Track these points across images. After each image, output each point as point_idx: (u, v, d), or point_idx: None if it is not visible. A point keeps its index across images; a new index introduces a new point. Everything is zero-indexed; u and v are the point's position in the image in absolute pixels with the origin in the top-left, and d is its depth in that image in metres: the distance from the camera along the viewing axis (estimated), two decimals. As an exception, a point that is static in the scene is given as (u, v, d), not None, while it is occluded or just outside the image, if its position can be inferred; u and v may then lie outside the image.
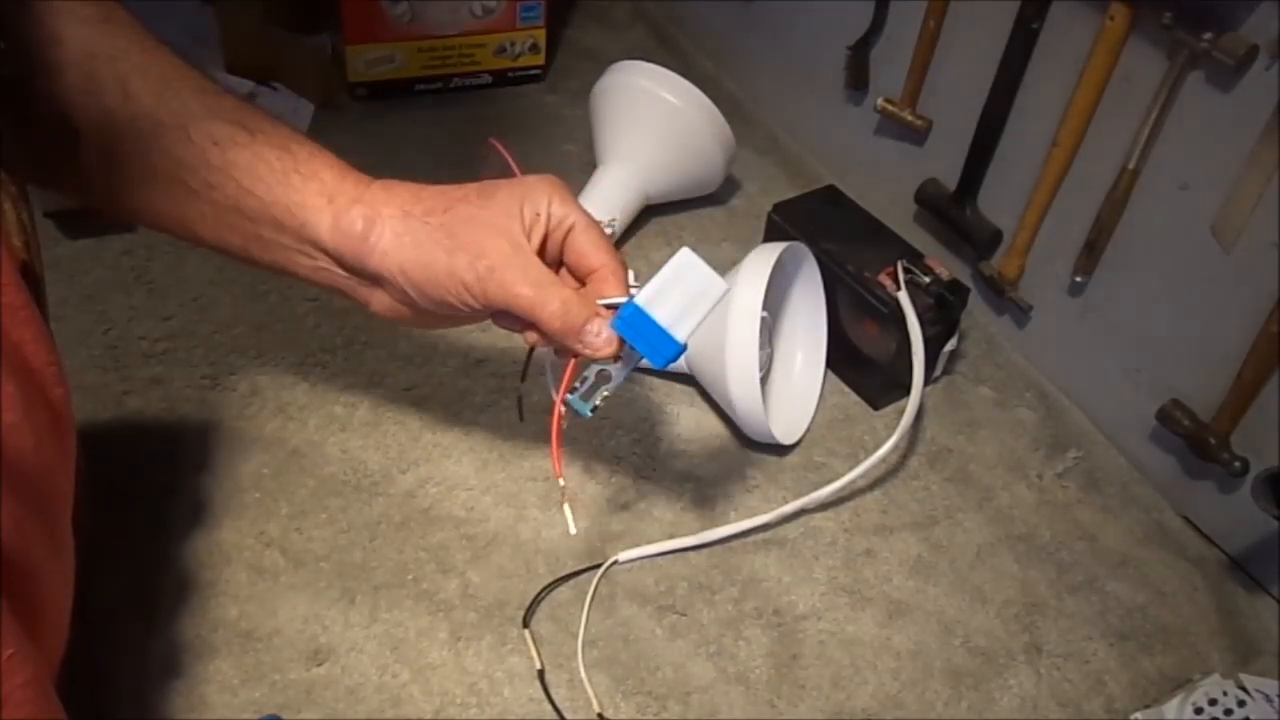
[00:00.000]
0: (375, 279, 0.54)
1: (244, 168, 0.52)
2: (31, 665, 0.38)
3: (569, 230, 0.54)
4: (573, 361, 0.56)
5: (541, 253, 0.54)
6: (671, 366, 0.79)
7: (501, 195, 0.54)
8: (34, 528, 0.41)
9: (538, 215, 0.53)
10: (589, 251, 0.54)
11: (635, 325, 0.52)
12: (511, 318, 0.54)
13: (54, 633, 0.44)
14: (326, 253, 0.53)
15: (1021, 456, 0.79)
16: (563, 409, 0.56)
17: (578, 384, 0.56)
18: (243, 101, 0.53)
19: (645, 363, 0.54)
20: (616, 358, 0.54)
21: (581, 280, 0.56)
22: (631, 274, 0.82)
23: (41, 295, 0.49)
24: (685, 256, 0.53)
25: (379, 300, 0.55)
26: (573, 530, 0.57)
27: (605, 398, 0.56)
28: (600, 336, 0.53)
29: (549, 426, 0.56)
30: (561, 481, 0.57)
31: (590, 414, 0.56)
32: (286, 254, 0.54)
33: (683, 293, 0.53)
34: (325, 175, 0.54)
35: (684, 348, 0.53)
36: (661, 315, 0.52)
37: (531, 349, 0.57)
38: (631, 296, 0.52)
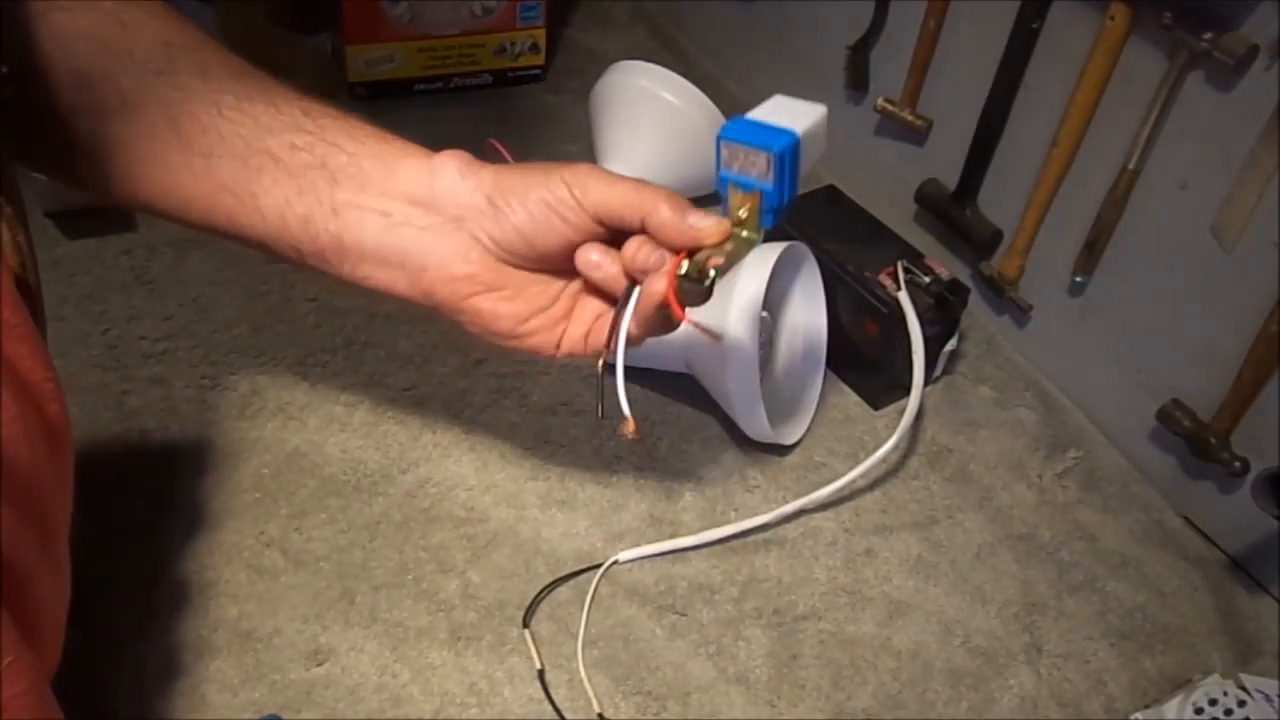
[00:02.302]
0: (461, 215, 0.52)
1: (334, 129, 0.52)
2: (30, 673, 0.38)
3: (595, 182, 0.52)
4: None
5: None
6: (672, 367, 0.79)
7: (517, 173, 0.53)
8: (30, 540, 0.41)
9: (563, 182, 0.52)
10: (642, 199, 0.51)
11: (742, 133, 0.49)
12: (605, 239, 0.52)
13: (50, 641, 0.44)
14: (410, 198, 0.52)
15: (1021, 456, 0.79)
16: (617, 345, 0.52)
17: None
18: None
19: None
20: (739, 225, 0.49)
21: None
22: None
23: (38, 311, 0.49)
24: (776, 99, 0.53)
25: (450, 253, 0.53)
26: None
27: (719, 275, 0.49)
28: (707, 219, 0.50)
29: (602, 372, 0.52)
30: (630, 426, 0.52)
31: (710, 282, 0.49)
32: (359, 214, 0.52)
33: (784, 114, 0.52)
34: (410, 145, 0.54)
35: (798, 137, 0.50)
36: (770, 121, 0.50)
37: (630, 287, 0.52)
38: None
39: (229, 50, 0.53)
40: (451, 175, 0.53)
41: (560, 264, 0.54)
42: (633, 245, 0.51)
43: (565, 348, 0.56)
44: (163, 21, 0.52)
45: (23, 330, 0.42)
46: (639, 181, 0.51)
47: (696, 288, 0.48)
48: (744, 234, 0.50)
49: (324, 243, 0.53)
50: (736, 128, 0.49)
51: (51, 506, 0.44)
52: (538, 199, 0.51)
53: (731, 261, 0.49)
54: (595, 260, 0.52)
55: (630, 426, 0.52)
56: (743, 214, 0.50)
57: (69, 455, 0.46)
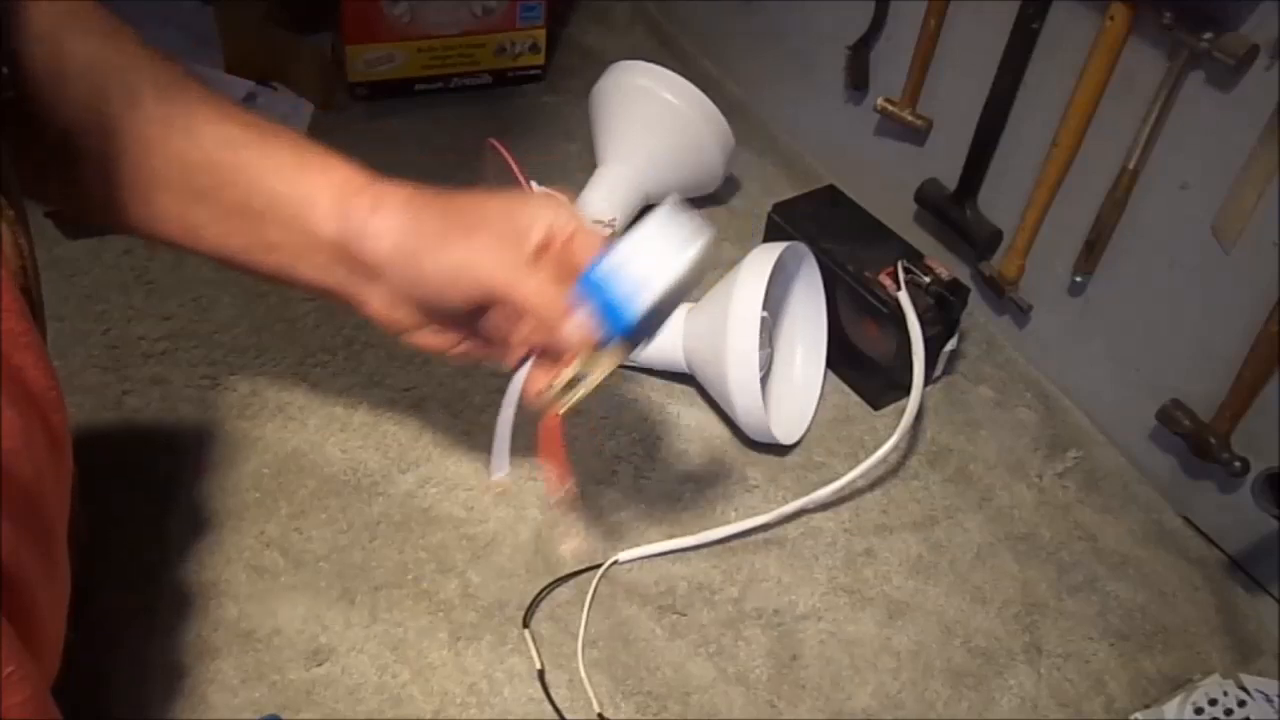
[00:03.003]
0: (373, 271, 0.54)
1: (255, 165, 0.53)
2: (31, 683, 0.38)
3: (570, 237, 0.53)
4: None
5: (543, 261, 0.53)
6: (672, 367, 0.79)
7: (504, 199, 0.55)
8: (31, 551, 0.41)
9: (534, 221, 0.53)
10: (589, 253, 0.53)
11: (597, 293, 0.49)
12: (495, 317, 0.55)
13: (50, 648, 0.44)
14: (331, 244, 0.54)
15: (1021, 456, 0.79)
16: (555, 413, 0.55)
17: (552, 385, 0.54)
18: (246, 108, 0.55)
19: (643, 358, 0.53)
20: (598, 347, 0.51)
21: None
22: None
23: (38, 314, 0.49)
24: (664, 212, 0.50)
25: (376, 299, 0.55)
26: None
27: (580, 397, 0.54)
28: (580, 325, 0.51)
29: (542, 436, 0.56)
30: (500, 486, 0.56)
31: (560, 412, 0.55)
32: (290, 255, 0.54)
33: (652, 249, 0.49)
34: (338, 168, 0.55)
35: (638, 323, 0.49)
36: (624, 282, 0.49)
37: (526, 359, 0.55)
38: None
39: (157, 61, 0.53)
40: (362, 219, 0.53)
41: (472, 315, 0.55)
42: (524, 330, 0.54)
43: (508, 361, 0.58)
44: (98, 39, 0.51)
45: (27, 339, 0.42)
46: (529, 270, 0.52)
47: (556, 398, 0.54)
48: (600, 357, 0.53)
49: (269, 270, 0.55)
50: (592, 281, 0.49)
51: (51, 516, 0.44)
52: (424, 286, 0.53)
53: (593, 381, 0.54)
54: (496, 327, 0.56)
55: (500, 486, 0.56)
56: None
57: (68, 463, 0.46)
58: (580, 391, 0.54)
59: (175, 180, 0.52)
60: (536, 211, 0.54)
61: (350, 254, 0.53)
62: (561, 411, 0.54)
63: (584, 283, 0.49)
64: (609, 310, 0.49)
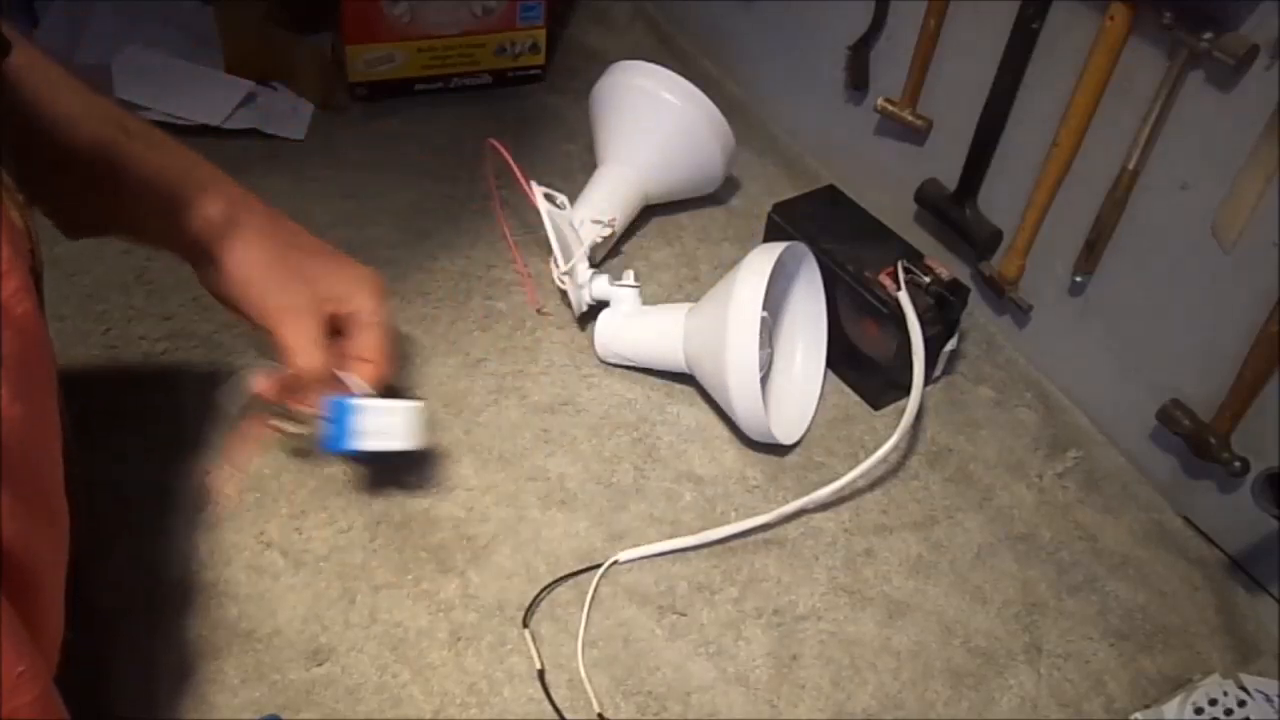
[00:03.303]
0: (214, 271, 0.64)
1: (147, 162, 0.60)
2: (40, 682, 0.39)
3: (365, 326, 0.66)
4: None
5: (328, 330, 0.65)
6: (672, 367, 0.79)
7: (334, 266, 0.66)
8: (34, 528, 0.41)
9: (346, 299, 0.65)
10: (367, 344, 0.66)
11: (339, 410, 0.63)
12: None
13: (51, 638, 0.44)
14: (191, 242, 0.62)
15: (1021, 456, 0.79)
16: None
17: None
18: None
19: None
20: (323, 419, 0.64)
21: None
22: (631, 274, 0.83)
23: (40, 299, 0.49)
24: (412, 411, 0.64)
25: (207, 277, 0.64)
26: None
27: (293, 435, 0.67)
28: (317, 392, 0.64)
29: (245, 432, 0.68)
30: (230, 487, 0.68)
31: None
32: (155, 238, 0.64)
33: (387, 425, 0.64)
34: (217, 192, 0.63)
35: (346, 448, 0.64)
36: (358, 423, 0.63)
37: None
38: (355, 396, 0.64)
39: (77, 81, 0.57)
40: (222, 243, 0.63)
41: None
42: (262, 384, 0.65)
43: None
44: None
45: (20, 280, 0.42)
46: (313, 336, 0.64)
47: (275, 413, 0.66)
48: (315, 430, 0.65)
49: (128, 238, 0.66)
50: (342, 405, 0.63)
51: (49, 490, 0.44)
52: (251, 301, 0.64)
53: (298, 431, 0.67)
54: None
55: (230, 487, 0.66)
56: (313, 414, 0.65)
57: (58, 427, 0.47)
58: (290, 427, 0.66)
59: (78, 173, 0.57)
60: (352, 291, 0.66)
61: (202, 254, 0.63)
62: (269, 425, 0.67)
63: (336, 402, 0.63)
64: (336, 429, 0.63)
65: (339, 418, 0.63)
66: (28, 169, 0.53)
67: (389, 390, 0.68)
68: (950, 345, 0.81)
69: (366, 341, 0.66)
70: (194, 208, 0.61)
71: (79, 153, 0.56)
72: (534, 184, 0.82)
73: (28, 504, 0.41)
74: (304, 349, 0.63)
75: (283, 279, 0.64)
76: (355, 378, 0.65)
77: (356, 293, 0.66)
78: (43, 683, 0.39)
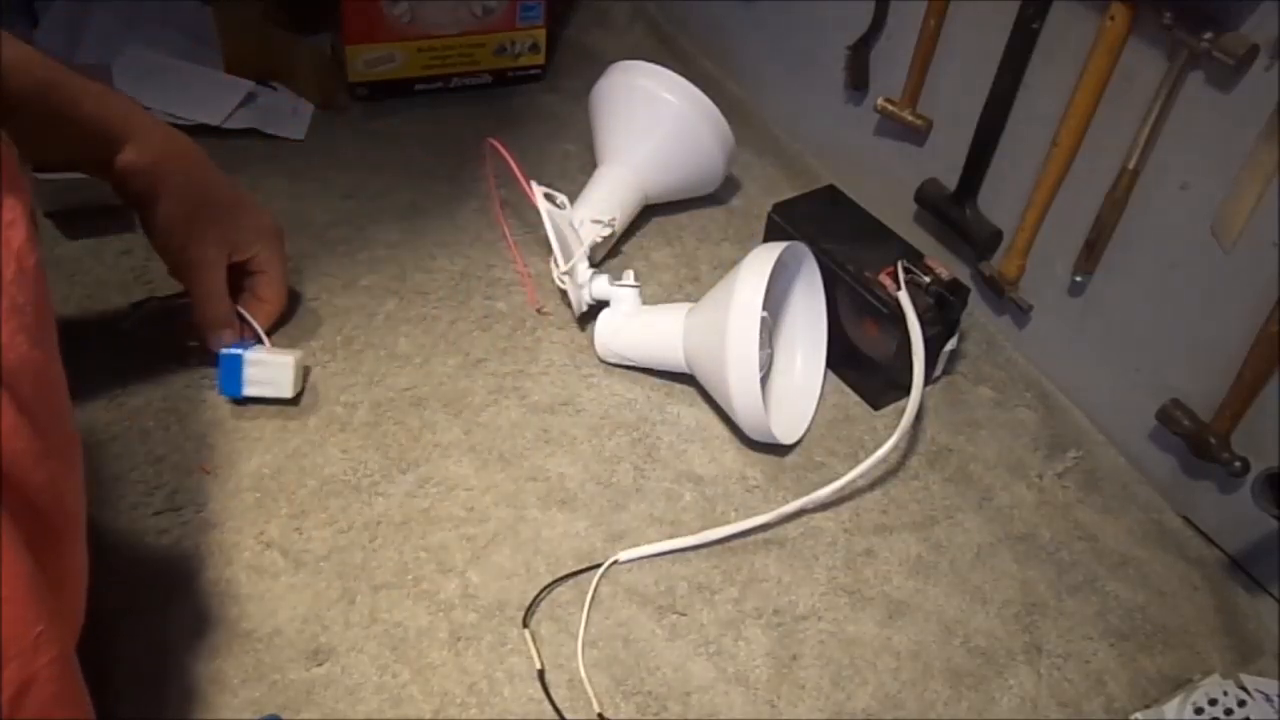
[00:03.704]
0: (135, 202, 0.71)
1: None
2: (58, 643, 0.39)
3: (261, 270, 0.77)
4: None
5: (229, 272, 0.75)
6: (672, 367, 0.79)
7: (237, 211, 0.74)
8: (60, 469, 0.42)
9: (247, 244, 0.75)
10: (265, 287, 0.78)
11: (231, 361, 0.73)
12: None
13: (75, 584, 0.45)
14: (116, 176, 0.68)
15: (1021, 456, 0.79)
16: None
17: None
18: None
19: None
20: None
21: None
22: (631, 274, 0.83)
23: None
24: (290, 366, 0.74)
25: (137, 220, 0.72)
26: None
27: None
28: (219, 337, 0.75)
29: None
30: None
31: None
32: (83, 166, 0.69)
33: (270, 375, 0.74)
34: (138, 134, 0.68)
35: (235, 394, 0.74)
36: (245, 374, 0.73)
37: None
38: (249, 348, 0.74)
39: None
40: (141, 183, 0.70)
41: None
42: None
43: None
44: None
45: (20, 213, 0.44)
46: (216, 289, 0.75)
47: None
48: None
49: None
50: (231, 356, 0.73)
51: (67, 431, 0.45)
52: (169, 247, 0.73)
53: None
54: None
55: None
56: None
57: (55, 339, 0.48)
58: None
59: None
60: (253, 240, 0.76)
61: (129, 200, 0.70)
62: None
63: (228, 355, 0.73)
64: (227, 377, 0.73)
65: (230, 367, 0.73)
66: None
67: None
68: (950, 345, 0.81)
69: (264, 285, 0.78)
70: (121, 155, 0.67)
71: (18, 98, 0.59)
72: (534, 184, 0.82)
73: (51, 447, 0.41)
74: (209, 301, 0.74)
75: (195, 234, 0.72)
76: (253, 317, 0.77)
77: (257, 242, 0.76)
78: (60, 645, 0.39)
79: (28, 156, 0.65)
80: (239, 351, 0.73)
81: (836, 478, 0.71)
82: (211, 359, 0.74)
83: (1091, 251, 0.76)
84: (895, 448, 0.72)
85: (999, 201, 0.84)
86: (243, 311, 0.77)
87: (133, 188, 0.69)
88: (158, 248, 0.73)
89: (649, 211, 0.95)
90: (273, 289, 0.78)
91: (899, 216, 0.91)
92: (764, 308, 0.71)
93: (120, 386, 0.75)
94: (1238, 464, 0.69)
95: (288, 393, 0.74)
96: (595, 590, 0.66)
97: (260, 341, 0.77)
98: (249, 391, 0.74)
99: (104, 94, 0.67)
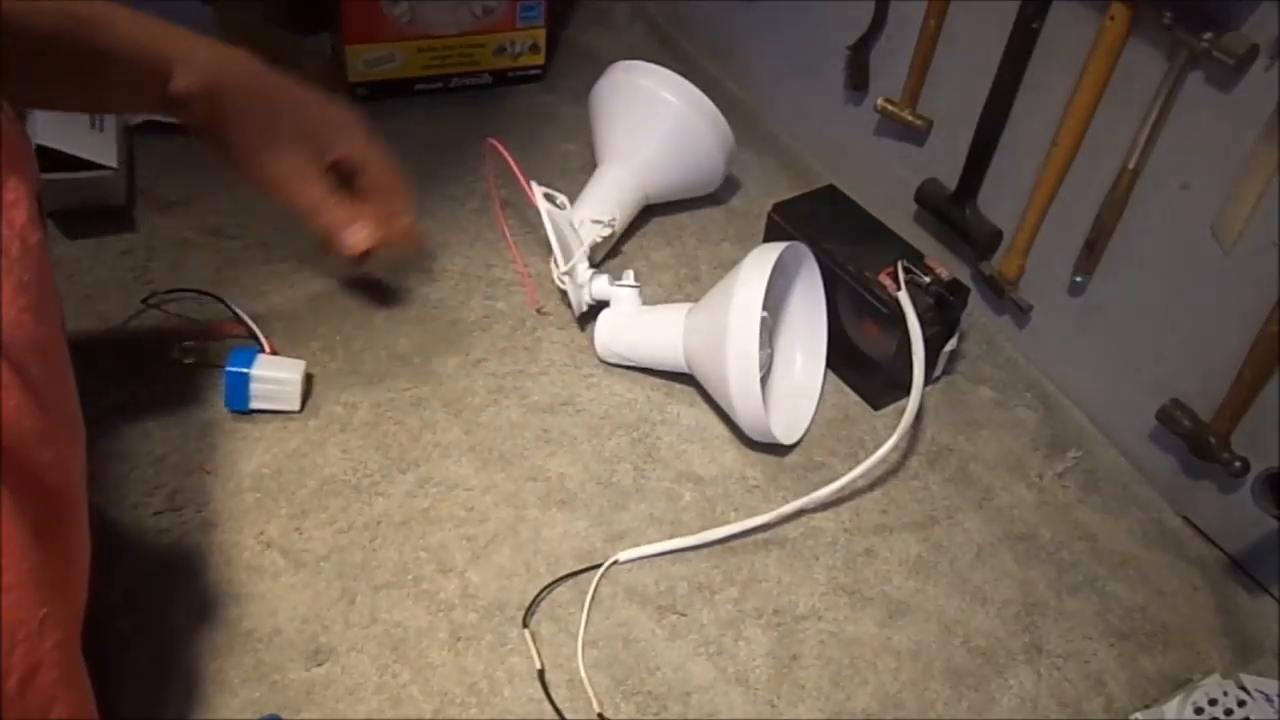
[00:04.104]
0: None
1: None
2: (61, 627, 0.38)
3: (361, 161, 0.72)
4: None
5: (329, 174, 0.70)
6: (672, 367, 0.79)
7: (316, 115, 0.69)
8: (63, 446, 0.41)
9: (335, 141, 0.70)
10: (376, 176, 0.73)
11: (237, 379, 0.72)
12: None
13: (79, 560, 0.44)
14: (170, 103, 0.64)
15: (1021, 456, 0.79)
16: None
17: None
18: None
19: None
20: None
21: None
22: (631, 274, 0.83)
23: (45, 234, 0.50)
24: (296, 382, 0.74)
25: (201, 147, 0.67)
26: None
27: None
28: (355, 235, 0.71)
29: None
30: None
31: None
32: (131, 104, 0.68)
33: (275, 392, 0.73)
34: (196, 54, 0.63)
35: (241, 409, 0.74)
36: (251, 389, 0.73)
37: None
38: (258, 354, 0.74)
39: None
40: (199, 107, 0.65)
41: None
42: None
43: None
44: None
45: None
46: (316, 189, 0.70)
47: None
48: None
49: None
50: (236, 373, 0.73)
51: (70, 407, 0.45)
52: (248, 166, 0.69)
53: None
54: None
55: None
56: None
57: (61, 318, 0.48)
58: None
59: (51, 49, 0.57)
60: (339, 136, 0.70)
61: (190, 127, 0.66)
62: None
63: (233, 371, 0.72)
64: (233, 392, 0.73)
65: (236, 384, 0.72)
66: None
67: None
68: (950, 345, 0.81)
69: (367, 182, 0.72)
70: (171, 84, 0.62)
71: (42, 38, 0.55)
72: (534, 184, 0.82)
73: (57, 426, 0.41)
74: (318, 212, 0.69)
75: (275, 147, 0.67)
76: (365, 224, 0.72)
77: (340, 137, 0.70)
78: (64, 630, 0.39)
79: (74, 106, 0.65)
80: (244, 370, 0.72)
81: (836, 478, 0.71)
82: (212, 359, 0.74)
83: (1091, 251, 0.76)
84: (895, 448, 0.72)
85: (999, 201, 0.84)
86: (240, 313, 0.76)
87: (195, 118, 0.64)
88: (244, 178, 0.68)
89: (649, 211, 0.95)
90: (380, 177, 0.73)
91: (899, 216, 0.91)
92: (764, 308, 0.71)
93: (120, 386, 0.75)
94: (1238, 464, 0.68)
95: (295, 405, 0.74)
96: (595, 590, 0.66)
97: (261, 348, 0.76)
98: (255, 405, 0.73)
99: (136, 20, 0.61)
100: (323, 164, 0.69)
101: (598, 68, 0.94)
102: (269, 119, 0.67)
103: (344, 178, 0.71)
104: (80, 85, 0.60)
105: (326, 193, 0.70)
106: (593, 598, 0.66)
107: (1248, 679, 0.63)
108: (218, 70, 0.64)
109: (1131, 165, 0.71)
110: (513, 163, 0.82)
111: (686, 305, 0.78)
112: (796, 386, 0.81)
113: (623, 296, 0.81)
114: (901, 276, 0.77)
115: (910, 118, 0.89)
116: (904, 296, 0.75)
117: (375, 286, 0.84)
